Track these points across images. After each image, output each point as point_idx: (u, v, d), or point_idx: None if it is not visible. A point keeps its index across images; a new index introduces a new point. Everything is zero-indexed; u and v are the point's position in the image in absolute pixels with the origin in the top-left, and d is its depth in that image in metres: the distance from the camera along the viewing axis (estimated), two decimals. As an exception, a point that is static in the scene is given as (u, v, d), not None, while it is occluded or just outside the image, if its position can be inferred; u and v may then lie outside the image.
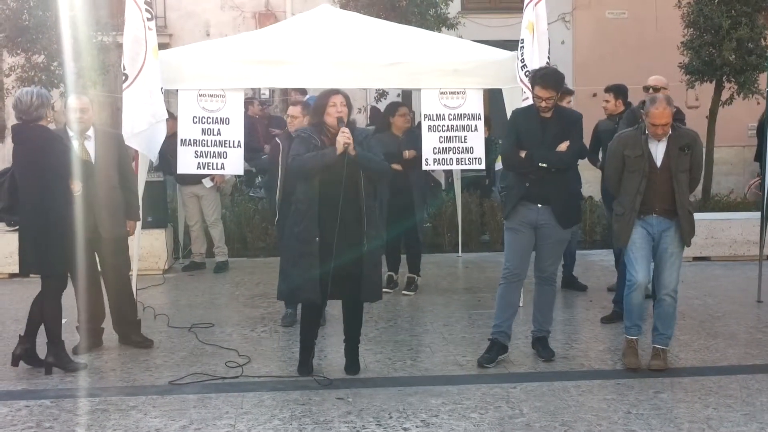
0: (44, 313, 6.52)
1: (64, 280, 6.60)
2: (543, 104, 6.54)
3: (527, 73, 8.23)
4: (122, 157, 7.33)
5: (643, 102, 8.01)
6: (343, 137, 6.03)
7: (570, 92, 8.87)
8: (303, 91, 12.96)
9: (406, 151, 8.89)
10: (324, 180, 6.11)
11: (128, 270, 7.48)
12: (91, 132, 7.11)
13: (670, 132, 6.38)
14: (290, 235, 6.29)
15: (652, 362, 6.50)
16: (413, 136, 9.06)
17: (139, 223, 7.62)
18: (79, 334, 7.19)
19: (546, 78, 6.59)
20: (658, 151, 6.41)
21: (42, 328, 6.59)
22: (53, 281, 6.52)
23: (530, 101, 7.68)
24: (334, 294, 6.27)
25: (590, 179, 9.23)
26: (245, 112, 11.10)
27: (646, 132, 6.41)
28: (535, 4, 8.31)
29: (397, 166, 8.70)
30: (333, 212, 6.04)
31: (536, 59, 8.10)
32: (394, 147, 8.80)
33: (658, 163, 6.40)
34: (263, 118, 14.69)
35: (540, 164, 6.48)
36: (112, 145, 7.24)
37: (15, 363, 6.54)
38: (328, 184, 6.08)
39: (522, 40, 8.40)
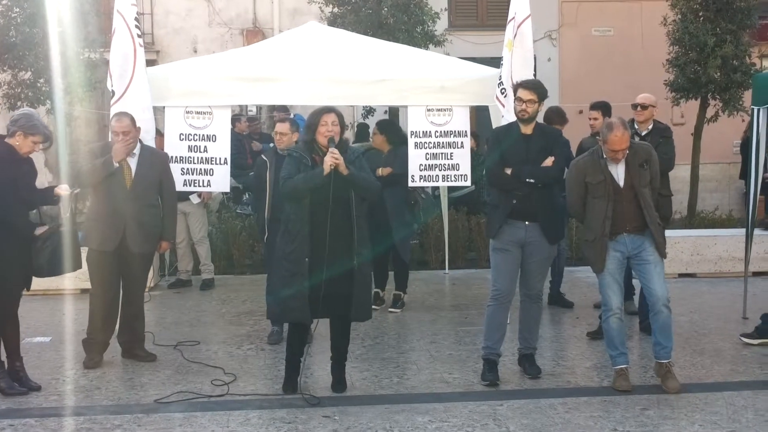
0: None
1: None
2: (524, 106, 6.54)
3: (503, 90, 8.28)
4: (165, 177, 7.40)
5: (632, 120, 8.08)
6: (331, 158, 6.03)
7: (562, 121, 8.97)
8: (284, 108, 12.96)
9: (380, 169, 8.83)
10: (314, 200, 6.11)
11: (146, 287, 7.57)
12: (137, 149, 7.16)
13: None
14: (281, 255, 6.28)
15: (668, 384, 6.40)
16: (395, 154, 9.04)
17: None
18: (85, 347, 7.19)
19: (528, 81, 6.76)
20: (619, 171, 6.41)
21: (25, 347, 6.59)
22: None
23: (507, 119, 7.73)
24: (323, 313, 6.27)
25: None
26: (232, 129, 11.13)
27: (604, 156, 6.41)
28: (519, 24, 8.35)
29: None
30: (323, 232, 6.05)
31: (517, 76, 8.12)
32: (376, 164, 8.82)
33: (621, 183, 6.40)
34: (254, 133, 14.66)
35: (528, 180, 6.50)
36: (156, 164, 7.32)
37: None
38: (318, 205, 6.08)
39: (502, 57, 8.45)
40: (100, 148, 7.18)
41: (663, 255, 6.52)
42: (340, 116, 6.30)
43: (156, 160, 7.36)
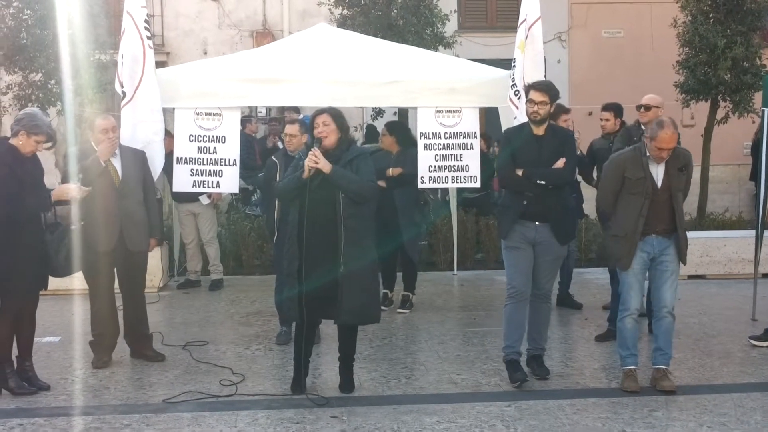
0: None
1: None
2: (536, 108, 6.53)
3: (516, 92, 8.27)
4: (146, 174, 7.45)
5: (637, 122, 8.06)
6: (309, 160, 6.03)
7: (566, 110, 8.89)
8: (296, 110, 12.99)
9: (390, 169, 8.87)
10: (302, 202, 6.12)
11: (144, 286, 7.57)
12: (117, 150, 7.20)
13: None
14: (283, 254, 6.37)
15: (664, 383, 6.42)
16: (404, 156, 9.06)
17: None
18: (92, 348, 7.22)
19: (540, 83, 6.77)
20: (658, 172, 6.37)
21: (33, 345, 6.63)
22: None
23: (519, 121, 7.73)
24: (315, 314, 6.28)
25: (587, 197, 9.25)
26: (242, 130, 11.14)
27: (647, 154, 6.38)
28: (530, 26, 8.36)
29: (381, 183, 8.77)
30: (312, 233, 6.06)
31: (528, 78, 8.12)
32: (385, 164, 8.87)
33: (659, 184, 6.37)
34: (275, 134, 14.68)
35: (539, 182, 6.50)
36: (138, 162, 7.36)
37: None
38: (305, 206, 6.09)
39: (514, 59, 8.44)
40: (79, 152, 7.17)
41: (684, 261, 6.52)
42: (335, 115, 6.28)
43: (137, 158, 7.40)
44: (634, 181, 6.39)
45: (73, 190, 6.49)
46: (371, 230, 6.36)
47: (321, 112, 6.30)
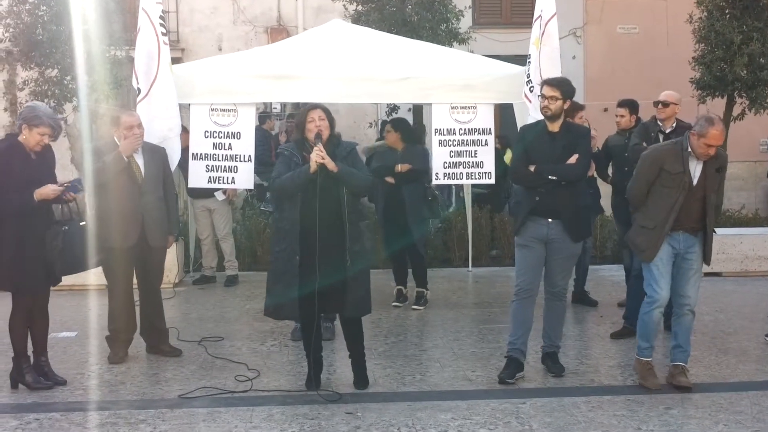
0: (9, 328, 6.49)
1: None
2: (546, 103, 6.52)
3: (531, 88, 8.26)
4: (167, 170, 7.48)
5: (654, 118, 8.02)
6: (317, 155, 6.03)
7: (581, 107, 8.86)
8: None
9: (399, 165, 8.88)
10: (304, 199, 6.11)
11: (162, 281, 7.59)
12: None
13: None
14: (273, 253, 6.34)
15: (681, 379, 6.40)
16: (411, 152, 9.05)
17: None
18: (109, 343, 7.26)
19: (552, 78, 6.78)
20: (696, 169, 6.33)
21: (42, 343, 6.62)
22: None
23: (534, 117, 7.72)
24: (325, 309, 6.30)
25: (603, 194, 9.23)
26: (260, 126, 11.13)
27: (688, 149, 6.33)
28: (546, 22, 8.34)
29: (389, 179, 8.78)
30: (313, 230, 6.05)
31: (545, 74, 8.10)
32: (391, 161, 8.87)
33: (695, 181, 6.31)
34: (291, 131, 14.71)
35: (549, 177, 6.48)
36: (159, 158, 7.39)
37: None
38: (308, 203, 6.09)
39: (529, 55, 8.43)
40: (104, 146, 7.20)
41: (708, 261, 6.49)
42: (327, 112, 6.29)
43: (158, 155, 7.41)
44: (672, 175, 6.32)
45: (51, 189, 6.32)
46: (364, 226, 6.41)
47: (315, 106, 6.31)
